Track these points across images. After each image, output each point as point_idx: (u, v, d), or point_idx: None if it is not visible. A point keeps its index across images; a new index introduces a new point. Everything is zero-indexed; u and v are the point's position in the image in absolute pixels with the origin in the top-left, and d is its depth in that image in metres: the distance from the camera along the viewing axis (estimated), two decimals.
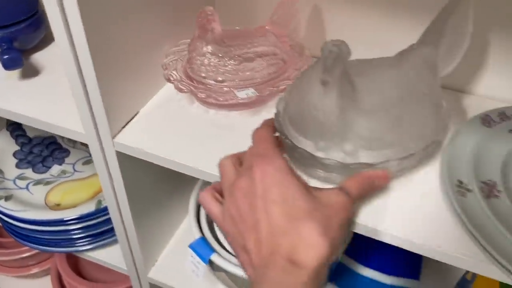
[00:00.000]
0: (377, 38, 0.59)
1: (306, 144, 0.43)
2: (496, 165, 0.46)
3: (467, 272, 0.69)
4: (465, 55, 0.56)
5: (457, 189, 0.43)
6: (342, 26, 0.62)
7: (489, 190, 0.43)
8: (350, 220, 0.37)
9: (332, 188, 0.38)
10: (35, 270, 1.11)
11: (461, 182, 0.44)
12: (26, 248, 1.01)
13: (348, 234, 0.64)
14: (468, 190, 0.43)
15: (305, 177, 0.43)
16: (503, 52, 0.56)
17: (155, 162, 0.51)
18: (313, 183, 0.45)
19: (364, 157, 0.42)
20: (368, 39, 0.59)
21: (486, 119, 0.52)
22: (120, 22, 0.47)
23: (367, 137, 0.42)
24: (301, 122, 0.43)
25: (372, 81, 0.44)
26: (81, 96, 0.48)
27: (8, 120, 0.88)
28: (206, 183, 0.68)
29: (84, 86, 0.47)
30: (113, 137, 0.51)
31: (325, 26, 0.63)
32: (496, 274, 0.39)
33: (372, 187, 0.42)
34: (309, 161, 0.43)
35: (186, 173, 0.50)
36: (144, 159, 0.51)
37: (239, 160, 0.41)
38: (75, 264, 1.01)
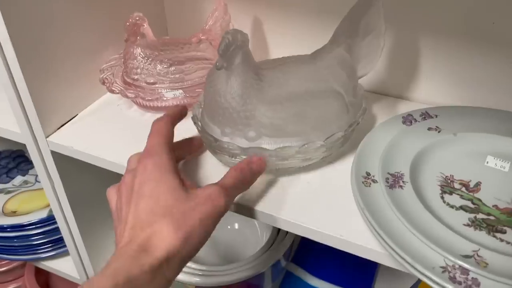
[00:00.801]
0: (311, 42, 0.62)
1: (213, 130, 0.45)
2: (407, 159, 0.46)
3: (419, 281, 0.68)
4: (402, 63, 0.59)
5: (363, 180, 0.44)
6: (274, 33, 0.64)
7: (394, 181, 0.44)
8: (216, 211, 0.37)
9: (209, 184, 0.39)
10: (12, 286, 1.11)
11: (368, 174, 0.45)
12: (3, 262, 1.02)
13: None
14: (374, 181, 0.44)
15: (214, 161, 0.45)
16: (439, 59, 0.58)
17: (87, 161, 0.53)
18: (221, 168, 0.47)
19: (265, 144, 0.44)
20: (300, 43, 0.61)
21: (408, 118, 0.53)
22: (48, 30, 0.50)
23: (268, 125, 0.44)
24: (210, 109, 0.46)
25: (283, 74, 0.46)
26: (13, 98, 0.51)
27: None
28: None
29: (16, 88, 0.50)
30: (47, 136, 0.54)
31: (261, 33, 0.65)
32: (392, 262, 0.40)
33: (250, 173, 0.42)
34: (217, 147, 0.45)
35: (117, 172, 0.51)
36: (76, 157, 0.53)
37: None
38: (46, 282, 1.01)
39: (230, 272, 0.59)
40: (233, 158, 0.46)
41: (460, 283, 0.34)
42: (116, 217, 0.39)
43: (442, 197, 0.44)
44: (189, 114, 0.49)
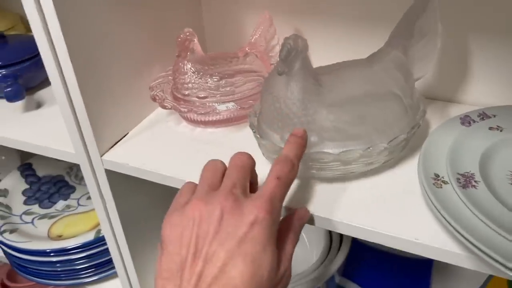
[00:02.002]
0: (353, 53, 0.62)
1: (273, 137, 0.45)
2: (474, 159, 0.45)
3: (487, 280, 0.65)
4: (451, 66, 0.58)
5: (433, 181, 0.43)
6: (319, 45, 0.64)
7: (466, 181, 0.42)
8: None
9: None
10: None
11: (437, 176, 0.44)
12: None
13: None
14: (444, 182, 0.43)
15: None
16: (489, 59, 0.57)
17: (143, 177, 0.52)
18: None
19: (328, 148, 0.43)
20: (345, 54, 0.61)
21: (466, 119, 0.51)
22: (102, 47, 0.51)
23: (330, 129, 0.43)
24: (269, 116, 0.45)
25: (340, 78, 0.46)
26: (70, 117, 0.51)
27: (19, 161, 0.92)
28: None
29: (73, 107, 0.51)
30: (102, 155, 0.54)
31: None
32: (475, 263, 0.38)
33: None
34: (277, 153, 0.44)
35: (169, 185, 0.51)
36: (133, 175, 0.53)
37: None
38: None
39: None
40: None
41: None
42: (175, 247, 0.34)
43: None
44: (246, 124, 0.49)
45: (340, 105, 0.44)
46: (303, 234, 0.72)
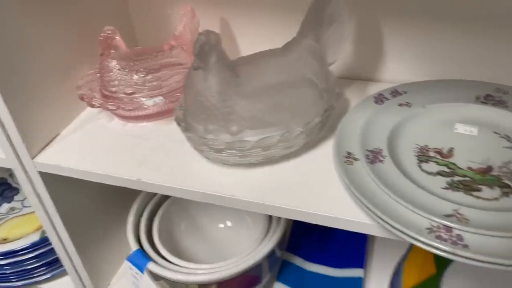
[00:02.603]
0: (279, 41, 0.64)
1: (197, 129, 0.47)
2: (383, 135, 0.49)
3: (409, 249, 0.71)
4: (367, 45, 0.62)
5: (345, 159, 0.46)
6: (242, 32, 0.67)
7: (374, 157, 0.46)
8: None
9: None
10: None
11: (349, 153, 0.47)
12: None
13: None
14: (355, 159, 0.46)
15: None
16: (402, 39, 0.61)
17: (76, 176, 0.53)
18: (207, 164, 0.50)
19: (248, 136, 0.46)
20: (268, 39, 0.64)
21: (379, 98, 0.55)
22: (21, 51, 0.51)
23: (249, 118, 0.46)
24: (192, 109, 0.47)
25: (257, 68, 0.49)
26: None
27: None
28: (146, 196, 0.70)
29: None
30: (33, 157, 0.54)
31: (229, 33, 0.67)
32: (383, 232, 0.42)
33: None
34: (202, 144, 0.47)
35: (105, 182, 0.52)
36: (65, 175, 0.54)
37: None
38: None
39: (228, 267, 0.60)
40: (218, 154, 0.47)
41: (446, 240, 0.37)
42: None
43: (420, 166, 0.47)
44: (172, 117, 0.51)
45: (257, 95, 0.47)
46: (246, 215, 0.76)
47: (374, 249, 0.77)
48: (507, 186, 0.43)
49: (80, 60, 0.60)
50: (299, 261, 0.73)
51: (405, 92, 0.56)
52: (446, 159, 0.47)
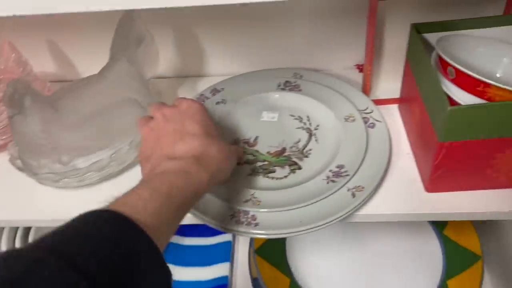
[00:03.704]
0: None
1: (31, 164, 0.51)
2: None
3: None
4: (187, 48, 0.68)
5: None
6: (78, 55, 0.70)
7: None
8: None
9: None
10: None
11: None
12: None
13: None
14: None
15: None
16: (215, 38, 0.68)
17: None
18: (51, 192, 0.54)
19: (81, 163, 0.52)
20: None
21: (201, 98, 0.63)
22: None
23: (76, 148, 0.51)
24: (23, 148, 0.52)
25: (76, 98, 0.53)
26: None
27: None
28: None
29: None
30: None
31: (63, 58, 0.70)
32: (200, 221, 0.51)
33: None
34: (40, 178, 0.52)
35: None
36: None
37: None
38: None
39: None
40: (57, 183, 0.53)
41: (243, 222, 0.47)
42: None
43: None
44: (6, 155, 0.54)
45: (79, 125, 0.52)
46: None
47: None
48: (295, 163, 0.54)
49: None
50: (175, 239, 0.82)
51: (223, 89, 0.64)
52: (251, 148, 0.57)
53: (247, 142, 0.57)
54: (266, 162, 0.55)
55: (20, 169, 0.52)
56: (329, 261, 0.72)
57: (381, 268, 0.70)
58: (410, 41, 0.51)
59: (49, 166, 0.52)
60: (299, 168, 0.53)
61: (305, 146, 0.56)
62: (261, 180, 0.53)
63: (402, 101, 0.59)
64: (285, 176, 0.53)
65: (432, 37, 0.50)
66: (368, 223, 0.58)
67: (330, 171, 0.51)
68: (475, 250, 0.67)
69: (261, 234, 0.47)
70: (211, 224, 0.48)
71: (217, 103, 0.62)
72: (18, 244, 0.71)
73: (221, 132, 0.57)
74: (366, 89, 0.60)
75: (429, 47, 0.51)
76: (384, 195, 0.50)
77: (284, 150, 0.56)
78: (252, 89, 0.63)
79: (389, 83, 0.61)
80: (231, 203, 0.49)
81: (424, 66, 0.47)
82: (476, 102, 0.43)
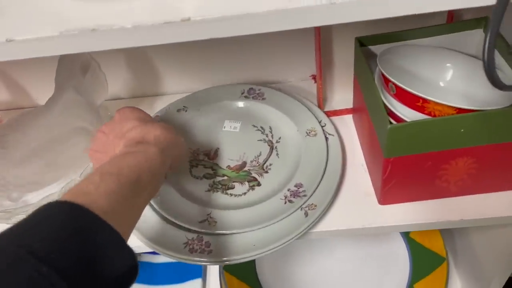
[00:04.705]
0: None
1: None
2: None
3: None
4: (136, 71, 0.67)
5: None
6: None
7: None
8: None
9: None
10: None
11: None
12: None
13: None
14: None
15: None
16: (164, 57, 0.67)
17: None
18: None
19: (32, 198, 0.51)
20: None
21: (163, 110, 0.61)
22: None
23: (25, 184, 0.50)
24: None
25: (22, 133, 0.53)
26: None
27: None
28: None
29: None
30: None
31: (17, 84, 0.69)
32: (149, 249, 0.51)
33: None
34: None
35: None
36: None
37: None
38: None
39: None
40: (9, 220, 0.52)
41: (196, 250, 0.47)
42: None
43: (191, 171, 0.54)
44: None
45: (27, 160, 0.51)
46: None
47: None
48: (254, 179, 0.53)
49: None
50: (147, 258, 0.82)
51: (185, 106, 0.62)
52: (212, 161, 0.55)
53: (207, 155, 0.56)
54: (225, 177, 0.53)
55: None
56: (298, 270, 0.72)
57: (350, 275, 0.70)
58: (355, 55, 0.51)
59: (0, 202, 0.51)
60: (258, 184, 0.52)
61: (265, 160, 0.55)
62: (219, 197, 0.51)
63: (355, 111, 0.59)
64: (244, 193, 0.51)
65: (378, 49, 0.50)
66: None
67: (289, 190, 0.50)
68: (440, 252, 0.68)
69: (215, 262, 0.46)
70: (164, 254, 0.47)
71: (178, 110, 0.61)
72: None
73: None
74: (319, 102, 0.60)
75: (375, 60, 0.51)
76: (338, 210, 0.50)
77: (244, 164, 0.54)
78: (216, 97, 0.61)
79: (344, 93, 0.61)
80: (187, 223, 0.47)
81: (368, 81, 0.47)
82: (418, 117, 0.43)
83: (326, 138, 0.55)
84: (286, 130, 0.57)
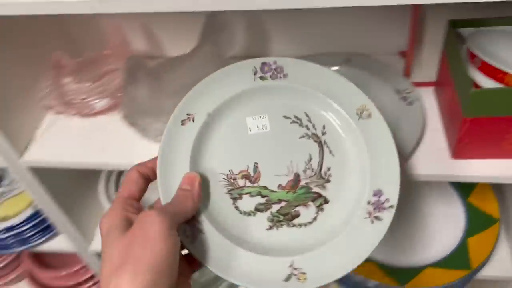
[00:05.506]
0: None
1: (138, 123, 0.66)
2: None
3: None
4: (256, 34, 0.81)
5: None
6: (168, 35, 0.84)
7: (192, 230, 0.40)
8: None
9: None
10: (12, 275, 1.31)
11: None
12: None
13: None
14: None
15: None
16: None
17: (54, 166, 0.72)
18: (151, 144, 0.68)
19: None
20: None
21: None
22: None
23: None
24: (132, 110, 0.67)
25: (174, 72, 0.68)
26: None
27: None
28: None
29: None
30: (20, 157, 0.72)
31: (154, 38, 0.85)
32: None
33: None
34: (148, 132, 0.67)
35: (77, 168, 0.72)
36: (47, 166, 0.73)
37: None
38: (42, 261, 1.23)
39: None
40: (156, 137, 0.68)
41: None
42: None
43: (237, 207, 0.39)
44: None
45: (177, 94, 0.66)
46: None
47: None
48: (319, 195, 0.40)
49: (41, 75, 0.75)
50: None
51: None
52: (255, 184, 0.40)
53: (246, 176, 0.41)
54: (283, 203, 0.39)
55: (132, 124, 0.68)
56: None
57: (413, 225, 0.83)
58: (448, 34, 0.62)
59: (153, 124, 0.67)
60: (325, 201, 0.40)
61: (320, 164, 0.42)
62: (288, 234, 0.38)
63: (437, 84, 0.70)
64: (314, 219, 0.39)
65: (465, 32, 0.61)
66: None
67: (369, 202, 0.39)
68: (494, 214, 0.79)
69: None
70: None
71: (183, 121, 0.43)
72: (111, 186, 0.89)
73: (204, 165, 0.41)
74: (407, 72, 0.71)
75: (462, 40, 0.61)
76: (417, 159, 0.62)
77: (298, 177, 0.41)
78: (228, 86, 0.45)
79: (427, 69, 0.72)
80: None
81: (457, 56, 0.58)
82: (496, 87, 0.54)
83: (405, 100, 0.64)
84: (331, 114, 0.43)
